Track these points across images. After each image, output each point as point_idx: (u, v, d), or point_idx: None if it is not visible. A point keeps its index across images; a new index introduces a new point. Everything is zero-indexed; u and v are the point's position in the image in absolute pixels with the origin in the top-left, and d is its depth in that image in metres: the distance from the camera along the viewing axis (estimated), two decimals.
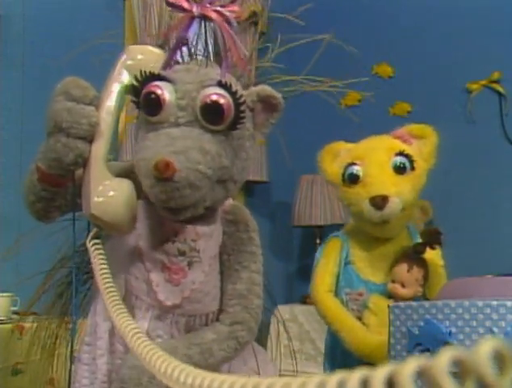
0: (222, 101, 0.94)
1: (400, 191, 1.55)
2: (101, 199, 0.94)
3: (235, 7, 1.01)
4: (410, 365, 0.29)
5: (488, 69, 2.78)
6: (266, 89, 1.02)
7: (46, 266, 1.94)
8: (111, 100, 0.98)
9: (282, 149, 3.16)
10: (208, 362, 1.01)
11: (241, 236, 1.09)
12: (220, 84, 0.95)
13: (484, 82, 2.79)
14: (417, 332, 1.20)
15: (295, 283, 3.19)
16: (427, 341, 1.18)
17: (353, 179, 1.60)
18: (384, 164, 1.58)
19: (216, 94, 0.94)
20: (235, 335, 1.04)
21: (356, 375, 0.30)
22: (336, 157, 1.69)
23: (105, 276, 0.93)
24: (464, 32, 2.83)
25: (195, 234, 1.03)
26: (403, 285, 1.55)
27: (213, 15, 0.98)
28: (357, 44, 3.06)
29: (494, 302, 1.11)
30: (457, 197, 2.68)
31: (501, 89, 2.77)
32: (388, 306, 1.26)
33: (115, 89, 0.99)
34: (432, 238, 1.56)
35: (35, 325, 1.97)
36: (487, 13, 2.80)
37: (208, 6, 0.99)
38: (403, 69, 2.98)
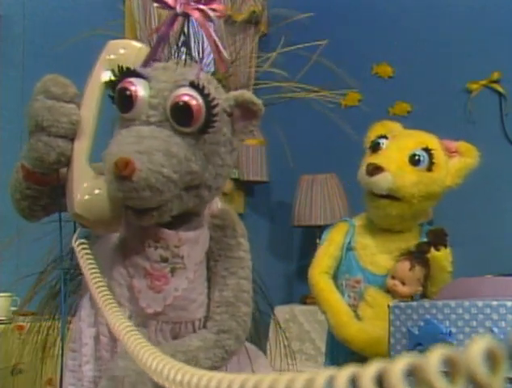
0: (192, 102, 0.91)
1: (399, 174, 1.55)
2: (85, 197, 0.93)
3: (218, 5, 0.98)
4: (401, 363, 0.28)
5: (488, 69, 2.78)
6: (245, 94, 0.98)
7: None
8: (92, 97, 0.96)
9: (282, 149, 3.16)
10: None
11: (229, 242, 1.06)
12: (193, 85, 0.92)
13: (484, 82, 2.79)
14: (417, 332, 1.20)
15: (295, 283, 3.19)
16: (427, 341, 1.18)
17: (375, 148, 1.62)
18: (405, 148, 1.59)
19: (187, 95, 0.91)
20: (222, 343, 1.02)
21: (345, 372, 0.30)
22: (386, 133, 1.70)
23: (94, 275, 0.92)
24: (464, 32, 2.83)
25: (178, 239, 1.00)
26: (403, 283, 1.55)
27: (195, 14, 0.96)
28: (357, 44, 3.06)
29: (494, 302, 1.11)
30: (457, 197, 2.68)
31: (501, 89, 2.77)
32: (389, 306, 1.26)
33: (96, 85, 0.97)
34: (438, 238, 1.56)
35: (34, 325, 1.96)
36: (487, 13, 2.80)
37: (192, 4, 0.97)
38: (403, 69, 2.98)
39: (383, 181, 1.55)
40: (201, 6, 0.96)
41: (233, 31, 3.03)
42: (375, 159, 1.58)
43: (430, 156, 1.57)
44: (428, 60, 2.90)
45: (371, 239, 1.65)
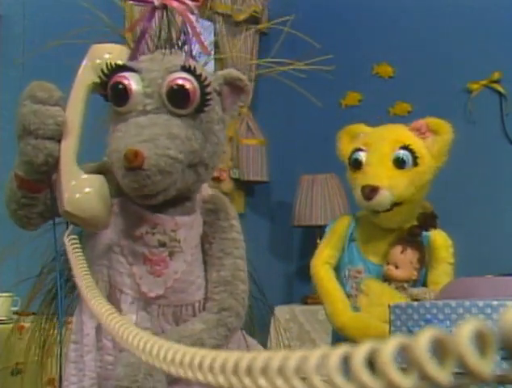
0: (187, 85, 0.96)
1: (393, 184, 1.56)
2: (74, 195, 0.95)
3: None
4: (391, 343, 0.29)
5: (488, 69, 2.78)
6: (232, 72, 1.05)
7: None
8: (77, 99, 0.99)
9: (282, 149, 3.15)
10: None
11: (222, 224, 1.10)
12: (184, 68, 0.97)
13: (484, 82, 2.79)
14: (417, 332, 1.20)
15: (295, 283, 3.19)
16: None
17: (356, 165, 1.63)
18: (386, 156, 1.59)
19: (181, 79, 0.96)
20: (223, 321, 1.05)
21: (337, 351, 0.30)
22: (354, 138, 1.71)
23: (81, 266, 0.93)
24: (465, 32, 2.83)
25: (175, 224, 1.03)
26: (396, 266, 1.57)
27: (174, 4, 1.00)
28: (357, 44, 3.06)
29: (495, 302, 1.11)
30: (457, 197, 2.68)
31: (501, 89, 2.77)
32: (389, 306, 1.26)
33: (82, 87, 0.99)
34: (427, 221, 1.58)
35: (35, 325, 1.96)
36: (487, 13, 2.80)
37: None
38: (403, 69, 2.98)
39: (383, 200, 1.57)
40: None
41: (234, 31, 3.03)
42: (365, 180, 1.58)
43: (412, 152, 1.59)
44: (428, 60, 2.89)
45: (372, 230, 1.67)
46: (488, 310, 1.11)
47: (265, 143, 3.08)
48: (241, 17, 3.02)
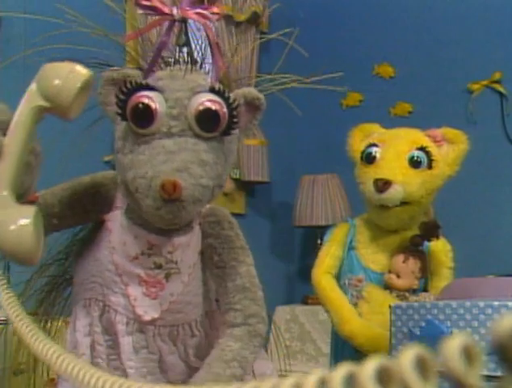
0: (217, 107, 0.92)
1: (406, 181, 1.56)
2: (7, 227, 0.85)
3: (215, 9, 0.98)
4: (370, 366, 0.29)
5: (489, 70, 2.78)
6: (251, 91, 1.00)
7: None
8: (19, 123, 0.90)
9: (283, 150, 3.15)
10: (247, 371, 1.00)
11: (229, 233, 1.08)
12: (213, 90, 0.93)
13: (485, 83, 2.79)
14: (418, 333, 1.19)
15: (296, 283, 3.18)
16: (429, 342, 1.17)
17: (369, 159, 1.62)
18: (402, 153, 1.59)
19: (210, 101, 0.92)
20: (255, 331, 1.02)
21: (314, 377, 0.30)
22: (366, 137, 1.70)
23: (9, 296, 0.83)
24: (465, 32, 2.82)
25: (171, 245, 1.00)
26: (398, 276, 1.57)
27: (195, 17, 0.96)
28: (358, 44, 3.06)
29: (496, 303, 1.11)
30: (458, 198, 2.67)
31: (502, 89, 2.77)
32: (390, 306, 1.26)
33: (25, 111, 0.91)
34: (429, 230, 1.58)
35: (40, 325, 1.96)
36: (488, 13, 2.80)
37: (189, 8, 0.96)
38: (404, 70, 2.98)
39: (395, 195, 1.56)
40: (200, 11, 0.96)
41: (234, 31, 3.03)
42: (379, 173, 1.57)
43: (428, 154, 1.59)
44: (429, 60, 2.89)
45: (372, 238, 1.66)
46: (489, 311, 1.11)
47: (266, 143, 3.08)
48: (242, 17, 3.02)
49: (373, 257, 1.64)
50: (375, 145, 1.63)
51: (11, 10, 2.27)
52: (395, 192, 1.56)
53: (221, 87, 0.93)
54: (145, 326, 1.01)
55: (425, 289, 1.62)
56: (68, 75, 0.85)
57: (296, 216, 2.97)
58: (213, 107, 0.91)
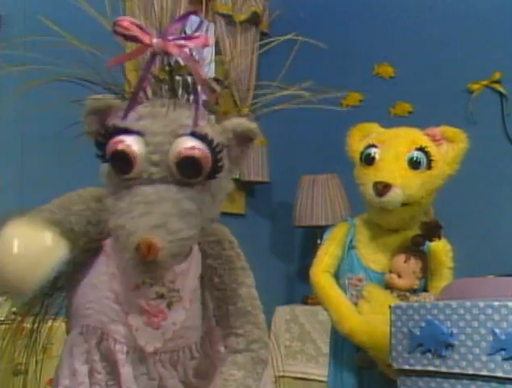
0: (199, 155, 0.86)
1: (406, 184, 1.55)
2: None
3: (200, 39, 0.90)
4: None
5: (489, 70, 2.77)
6: (242, 124, 0.94)
7: None
8: None
9: (283, 150, 3.15)
10: None
11: (229, 254, 1.05)
12: (194, 134, 0.87)
13: (485, 83, 2.79)
14: (418, 333, 1.19)
15: (296, 283, 3.18)
16: (429, 342, 1.17)
17: (368, 161, 1.61)
18: (401, 155, 1.58)
19: (192, 149, 0.86)
20: (258, 357, 1.01)
21: None
22: (365, 137, 1.70)
23: None
24: (465, 32, 2.82)
25: (173, 274, 0.98)
26: (399, 276, 1.57)
27: (176, 52, 0.88)
28: (358, 44, 3.05)
29: (496, 303, 1.11)
30: (458, 198, 2.67)
31: (502, 89, 2.76)
32: (390, 307, 1.26)
33: None
34: (431, 230, 1.57)
35: (35, 326, 1.96)
36: (488, 13, 2.79)
37: (170, 39, 0.89)
38: (404, 69, 2.97)
39: (395, 198, 1.55)
40: (183, 42, 0.89)
41: (234, 32, 3.03)
42: (379, 176, 1.57)
43: (427, 154, 1.58)
44: (429, 60, 2.89)
45: (372, 238, 1.66)
46: (489, 311, 1.11)
47: (265, 143, 3.07)
48: (242, 17, 3.02)
49: (373, 257, 1.64)
50: (374, 145, 1.62)
51: (11, 9, 2.27)
52: (395, 195, 1.55)
53: (204, 130, 0.88)
54: (146, 355, 0.99)
55: (425, 289, 1.62)
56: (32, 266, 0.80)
57: (296, 216, 2.97)
58: (195, 155, 0.86)
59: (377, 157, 1.60)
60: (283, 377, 2.72)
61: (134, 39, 0.88)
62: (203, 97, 0.92)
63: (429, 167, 1.58)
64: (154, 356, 0.99)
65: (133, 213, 0.85)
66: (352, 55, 3.04)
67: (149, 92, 0.94)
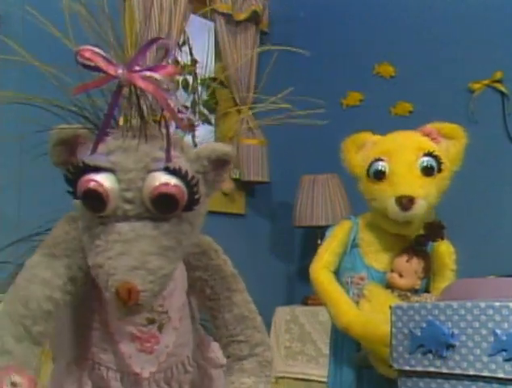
0: (173, 191, 0.83)
1: (427, 193, 1.54)
2: None
3: (167, 69, 0.86)
4: None
5: (490, 69, 2.77)
6: (216, 149, 0.91)
7: None
8: None
9: (283, 150, 3.15)
10: None
11: (217, 262, 1.04)
12: (168, 169, 0.84)
13: (486, 82, 2.78)
14: (419, 333, 1.19)
15: (296, 284, 3.18)
16: (430, 342, 1.17)
17: (378, 176, 1.58)
18: (412, 164, 1.56)
19: (166, 185, 0.83)
20: (264, 360, 1.01)
21: None
22: (361, 148, 1.68)
23: None
24: (466, 32, 2.81)
25: (162, 297, 0.96)
26: (401, 275, 1.56)
27: (142, 85, 0.84)
28: (359, 44, 3.05)
29: (497, 303, 1.10)
30: (459, 197, 2.67)
31: (503, 88, 2.76)
32: (390, 307, 1.25)
33: None
34: (434, 231, 1.57)
35: None
36: (489, 13, 2.79)
37: (137, 69, 0.84)
38: (405, 69, 2.97)
39: (420, 210, 1.54)
40: (149, 74, 0.84)
41: (234, 31, 3.03)
42: (398, 190, 1.54)
43: (436, 159, 1.57)
44: (430, 59, 2.88)
45: (375, 237, 1.65)
46: (491, 312, 1.10)
47: (265, 143, 3.07)
48: (242, 16, 3.01)
49: (376, 256, 1.64)
50: (380, 159, 1.59)
51: (10, 7, 2.26)
52: (420, 208, 1.53)
53: (177, 165, 0.85)
54: (140, 379, 0.99)
55: (427, 290, 1.61)
56: None
57: (296, 216, 2.96)
58: (170, 192, 0.83)
59: (387, 170, 1.58)
60: (284, 377, 2.72)
61: (98, 70, 0.84)
62: (173, 128, 0.89)
63: (439, 170, 1.57)
64: (149, 377, 0.99)
65: (110, 253, 0.83)
66: (352, 54, 3.04)
67: (119, 119, 0.91)
